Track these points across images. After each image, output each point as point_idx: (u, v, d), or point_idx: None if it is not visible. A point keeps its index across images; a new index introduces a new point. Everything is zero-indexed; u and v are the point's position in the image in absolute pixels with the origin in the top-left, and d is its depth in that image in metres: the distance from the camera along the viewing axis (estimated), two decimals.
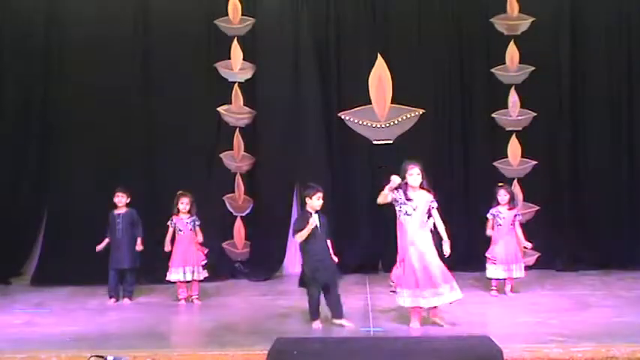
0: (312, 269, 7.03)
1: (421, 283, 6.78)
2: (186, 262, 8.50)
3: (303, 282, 7.13)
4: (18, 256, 10.11)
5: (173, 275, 8.49)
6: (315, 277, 7.01)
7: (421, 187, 6.91)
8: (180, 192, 8.63)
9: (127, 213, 8.69)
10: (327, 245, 7.19)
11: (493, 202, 8.59)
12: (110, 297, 8.61)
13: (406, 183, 6.86)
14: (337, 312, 7.06)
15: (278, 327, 7.14)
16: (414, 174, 6.86)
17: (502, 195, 8.56)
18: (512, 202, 8.58)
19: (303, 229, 6.99)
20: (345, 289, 8.96)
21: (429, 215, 6.96)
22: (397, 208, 6.92)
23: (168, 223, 8.55)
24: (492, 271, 8.44)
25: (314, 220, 7.03)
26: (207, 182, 10.05)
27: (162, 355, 6.13)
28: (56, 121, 10.18)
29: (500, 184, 8.84)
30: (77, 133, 10.11)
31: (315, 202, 7.11)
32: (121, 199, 8.68)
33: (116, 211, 8.69)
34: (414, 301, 6.83)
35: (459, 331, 6.72)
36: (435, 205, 6.95)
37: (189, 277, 8.49)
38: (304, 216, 7.14)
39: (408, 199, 6.87)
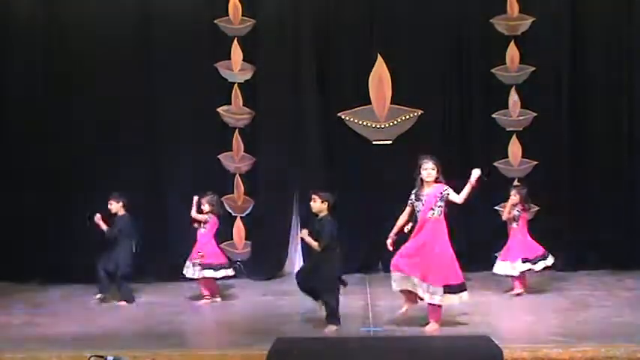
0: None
1: (406, 269, 6.82)
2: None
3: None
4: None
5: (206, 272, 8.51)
6: (300, 282, 7.14)
7: (437, 181, 6.92)
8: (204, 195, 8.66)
9: (120, 218, 8.66)
10: (317, 253, 7.12)
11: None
12: (98, 294, 8.61)
13: (421, 179, 6.88)
14: (326, 317, 7.07)
15: (278, 327, 7.14)
16: (428, 169, 6.87)
17: (512, 195, 8.63)
18: (524, 203, 8.60)
19: None
20: (345, 289, 9.02)
21: (444, 205, 6.91)
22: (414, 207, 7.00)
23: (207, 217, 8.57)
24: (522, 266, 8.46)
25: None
26: (207, 182, 10.03)
27: (163, 355, 6.14)
28: (55, 121, 10.17)
29: (515, 184, 8.85)
30: (77, 133, 10.11)
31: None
32: (109, 206, 8.65)
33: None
34: (402, 284, 6.88)
35: (459, 331, 6.73)
36: (449, 191, 6.87)
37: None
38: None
39: (419, 196, 6.91)
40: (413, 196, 6.99)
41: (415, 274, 6.82)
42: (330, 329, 6.92)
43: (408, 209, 7.04)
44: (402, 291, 7.00)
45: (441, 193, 6.87)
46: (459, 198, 6.86)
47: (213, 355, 6.19)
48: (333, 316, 6.96)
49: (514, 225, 8.62)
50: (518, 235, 8.59)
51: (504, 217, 8.70)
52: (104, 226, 8.51)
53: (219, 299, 8.57)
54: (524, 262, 8.44)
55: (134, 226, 8.68)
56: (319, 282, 6.99)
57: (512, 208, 8.61)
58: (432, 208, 6.86)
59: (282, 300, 8.51)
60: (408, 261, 6.87)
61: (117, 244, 8.55)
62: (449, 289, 6.83)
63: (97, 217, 8.51)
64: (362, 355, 5.46)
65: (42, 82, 10.21)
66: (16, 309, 8.41)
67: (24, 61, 10.23)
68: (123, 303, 8.54)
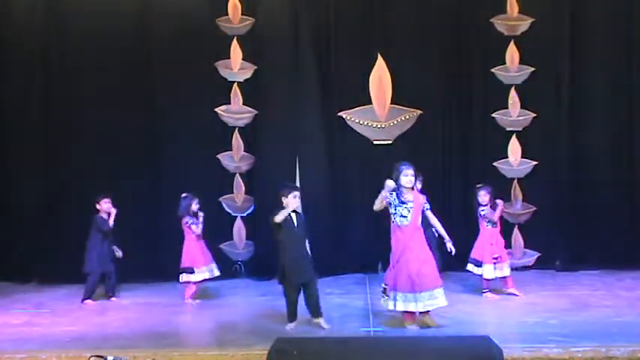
0: (289, 270, 7.10)
1: (416, 287, 6.81)
2: (208, 261, 8.75)
3: (282, 280, 7.23)
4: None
5: (199, 275, 8.63)
6: (292, 278, 7.10)
7: (412, 188, 6.96)
8: (188, 194, 8.74)
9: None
10: (305, 245, 7.27)
11: (474, 202, 8.58)
12: (89, 298, 8.69)
13: (399, 185, 6.87)
14: (316, 311, 7.15)
15: (278, 327, 7.15)
16: (409, 175, 6.87)
17: (482, 196, 8.52)
18: (493, 203, 8.53)
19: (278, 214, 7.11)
20: (345, 289, 9.05)
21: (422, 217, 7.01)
22: (392, 211, 6.94)
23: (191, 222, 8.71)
24: (491, 271, 8.41)
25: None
26: (207, 182, 10.03)
27: (162, 355, 6.15)
28: (57, 121, 10.17)
29: (478, 185, 8.74)
30: (76, 133, 10.12)
31: (292, 200, 7.15)
32: (109, 204, 8.82)
33: (104, 215, 8.82)
34: (406, 305, 6.87)
35: (459, 331, 6.73)
36: (428, 206, 7.06)
37: (207, 275, 8.72)
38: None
39: (403, 202, 6.89)
40: (394, 198, 6.89)
41: (425, 287, 6.83)
42: (324, 323, 7.10)
43: (384, 203, 6.91)
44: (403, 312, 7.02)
45: (424, 204, 7.00)
46: (434, 221, 7.10)
47: (213, 355, 6.19)
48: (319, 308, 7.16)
49: (492, 225, 8.51)
50: (497, 235, 8.54)
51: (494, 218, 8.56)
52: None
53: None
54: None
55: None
56: (311, 274, 7.19)
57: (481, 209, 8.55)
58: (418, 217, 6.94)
59: (282, 300, 8.46)
60: (415, 279, 6.84)
61: (106, 242, 8.76)
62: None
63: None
64: (362, 355, 5.46)
65: (41, 82, 10.20)
66: (16, 309, 8.41)
67: (23, 61, 10.23)
68: (114, 299, 8.74)
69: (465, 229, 9.66)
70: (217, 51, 10.22)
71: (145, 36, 10.21)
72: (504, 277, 8.45)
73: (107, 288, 8.82)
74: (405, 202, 6.88)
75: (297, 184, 9.98)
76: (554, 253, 10.03)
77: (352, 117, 10.20)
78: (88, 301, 8.65)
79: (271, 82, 10.18)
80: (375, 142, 10.21)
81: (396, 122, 10.17)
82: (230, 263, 10.15)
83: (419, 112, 10.16)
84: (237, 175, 10.28)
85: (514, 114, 10.16)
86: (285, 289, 7.19)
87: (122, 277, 9.06)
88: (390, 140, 10.18)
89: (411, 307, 6.85)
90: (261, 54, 10.24)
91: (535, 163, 10.15)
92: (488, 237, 8.51)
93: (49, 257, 10.01)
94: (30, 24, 10.20)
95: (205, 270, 8.69)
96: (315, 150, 10.19)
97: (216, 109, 10.18)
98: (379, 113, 10.17)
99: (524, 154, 10.15)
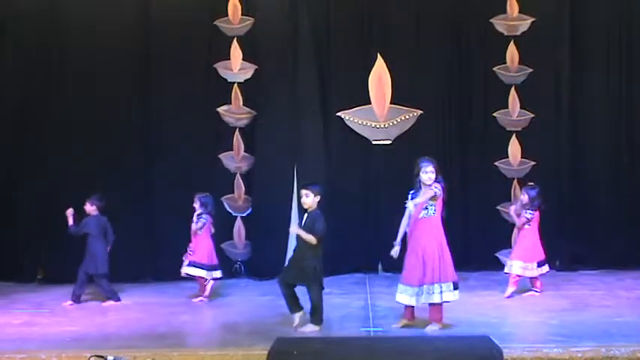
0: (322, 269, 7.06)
1: (417, 280, 6.78)
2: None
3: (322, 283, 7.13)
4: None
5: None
6: (282, 276, 7.13)
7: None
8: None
9: (89, 219, 8.72)
10: (303, 246, 7.07)
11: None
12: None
13: (419, 181, 6.87)
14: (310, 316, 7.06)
15: (278, 327, 7.14)
16: (428, 172, 6.85)
17: (522, 195, 8.58)
18: (532, 204, 8.45)
19: None
20: (345, 289, 9.04)
21: (438, 203, 6.84)
22: None
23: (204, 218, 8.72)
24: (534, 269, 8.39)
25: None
26: (207, 182, 10.03)
27: (162, 355, 6.14)
28: (55, 121, 10.16)
29: (529, 183, 8.81)
30: (77, 132, 10.10)
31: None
32: (84, 206, 8.70)
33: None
34: (404, 298, 6.86)
35: (459, 331, 6.73)
36: (437, 188, 6.78)
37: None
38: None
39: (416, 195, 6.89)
40: (410, 199, 6.92)
41: (425, 281, 6.77)
42: (309, 328, 6.92)
43: (406, 213, 6.95)
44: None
45: (435, 191, 6.78)
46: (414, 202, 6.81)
47: (213, 355, 6.18)
48: (317, 315, 6.96)
49: (526, 226, 8.48)
50: (530, 235, 8.45)
51: (517, 223, 8.58)
52: (70, 222, 8.57)
53: (206, 299, 8.60)
54: (541, 264, 8.40)
55: (103, 228, 8.67)
56: (305, 278, 6.98)
57: (521, 210, 8.52)
58: (426, 208, 6.84)
59: (282, 300, 8.49)
60: (415, 273, 6.80)
61: (91, 246, 8.59)
62: (455, 286, 6.85)
63: (69, 212, 8.58)
64: (362, 355, 5.46)
65: (41, 82, 10.19)
66: (16, 309, 8.41)
67: (23, 61, 10.23)
68: (109, 302, 8.56)
69: (464, 229, 9.69)
70: (217, 51, 10.22)
71: (145, 36, 10.21)
72: (533, 277, 8.42)
73: (103, 291, 8.68)
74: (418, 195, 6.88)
75: (295, 184, 10.04)
76: (554, 253, 10.02)
77: (351, 117, 10.19)
78: (67, 303, 8.61)
79: (271, 82, 10.18)
80: (374, 142, 10.22)
81: (395, 122, 10.17)
82: (230, 263, 10.15)
83: (419, 112, 10.17)
84: (238, 175, 10.28)
85: (514, 114, 10.15)
86: (320, 289, 7.04)
87: (122, 277, 9.06)
88: (389, 140, 10.18)
89: (412, 302, 6.84)
90: (261, 54, 10.24)
91: (533, 163, 10.15)
92: (521, 236, 8.51)
93: (49, 257, 10.01)
94: (30, 24, 10.20)
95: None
96: (315, 150, 10.19)
97: (218, 109, 10.18)
98: (378, 113, 10.17)
99: (524, 154, 10.15)
